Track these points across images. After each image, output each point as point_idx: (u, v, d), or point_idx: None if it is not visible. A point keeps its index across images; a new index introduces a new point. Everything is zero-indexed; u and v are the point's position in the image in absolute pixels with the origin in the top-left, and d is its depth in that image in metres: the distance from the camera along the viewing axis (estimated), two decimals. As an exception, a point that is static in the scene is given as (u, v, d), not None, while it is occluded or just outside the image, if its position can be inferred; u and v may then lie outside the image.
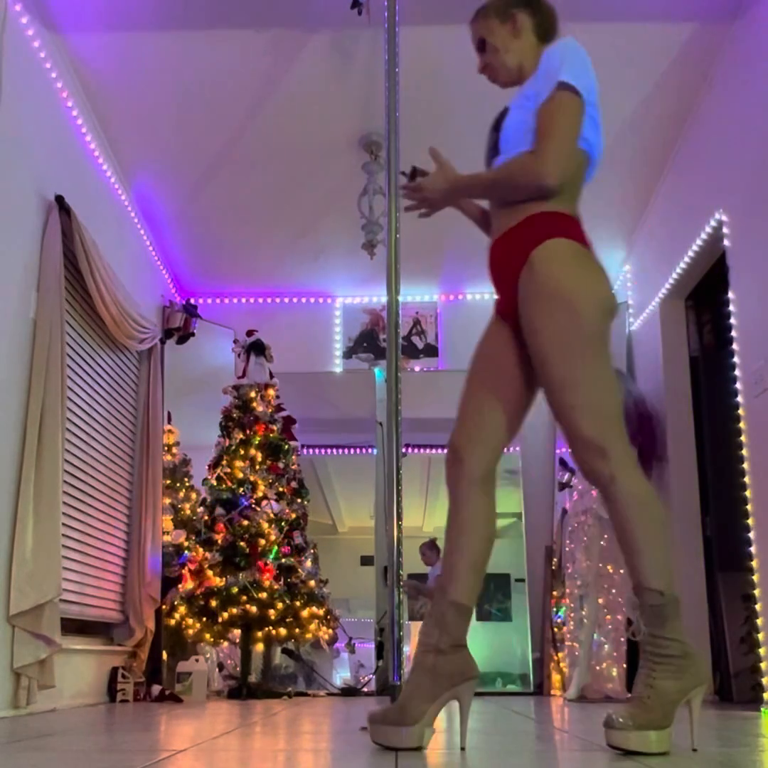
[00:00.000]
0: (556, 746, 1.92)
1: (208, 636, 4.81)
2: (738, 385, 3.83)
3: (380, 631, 5.50)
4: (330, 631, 5.08)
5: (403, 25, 3.40)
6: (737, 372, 3.83)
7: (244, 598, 4.65)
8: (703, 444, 4.68)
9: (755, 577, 3.63)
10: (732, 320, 3.88)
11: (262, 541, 4.82)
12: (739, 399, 3.82)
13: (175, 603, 4.84)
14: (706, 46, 3.89)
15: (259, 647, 5.17)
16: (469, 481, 1.95)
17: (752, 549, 3.67)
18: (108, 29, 3.77)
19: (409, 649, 4.66)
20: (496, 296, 2.06)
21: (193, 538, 5.00)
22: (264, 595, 4.67)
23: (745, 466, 3.76)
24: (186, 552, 4.98)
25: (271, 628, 4.79)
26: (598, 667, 4.64)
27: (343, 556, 5.87)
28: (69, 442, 3.90)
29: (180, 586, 4.88)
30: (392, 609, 3.06)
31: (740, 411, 3.81)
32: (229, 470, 5.05)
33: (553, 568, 5.62)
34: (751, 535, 3.69)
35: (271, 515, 4.93)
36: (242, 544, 4.78)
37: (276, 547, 4.84)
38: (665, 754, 1.64)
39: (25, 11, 3.50)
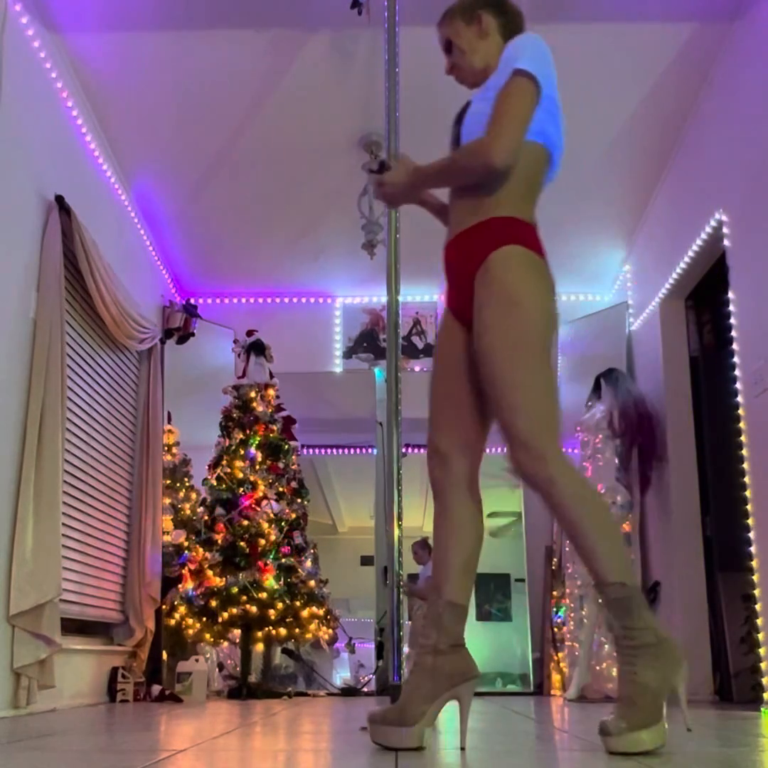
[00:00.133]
0: (556, 746, 1.92)
1: (208, 636, 4.81)
2: (738, 385, 3.83)
3: (380, 631, 5.51)
4: (330, 631, 5.08)
5: (403, 25, 3.40)
6: (737, 372, 3.83)
7: (244, 598, 4.65)
8: (703, 444, 4.68)
9: (755, 577, 3.63)
10: (732, 320, 3.88)
11: (262, 541, 4.82)
12: (739, 399, 3.82)
13: (175, 603, 4.84)
14: (706, 46, 3.89)
15: (259, 647, 5.18)
16: (457, 483, 1.97)
17: (752, 549, 3.67)
18: (108, 29, 3.77)
19: (407, 648, 4.66)
20: (446, 293, 2.07)
21: (193, 538, 5.00)
22: (264, 595, 4.67)
23: (745, 466, 3.76)
24: (186, 552, 4.98)
25: (271, 628, 4.79)
26: (598, 667, 4.64)
27: (343, 556, 5.87)
28: (69, 442, 3.90)
29: (180, 586, 4.88)
30: (392, 609, 3.06)
31: (740, 411, 3.81)
32: (229, 470, 5.05)
33: (553, 568, 5.62)
34: (751, 535, 3.69)
35: (271, 515, 4.93)
36: (242, 544, 4.78)
37: (275, 547, 4.85)
38: (662, 747, 1.64)
39: (25, 11, 3.50)
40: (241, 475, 5.02)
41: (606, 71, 4.07)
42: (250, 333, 5.47)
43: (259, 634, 4.87)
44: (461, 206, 2.00)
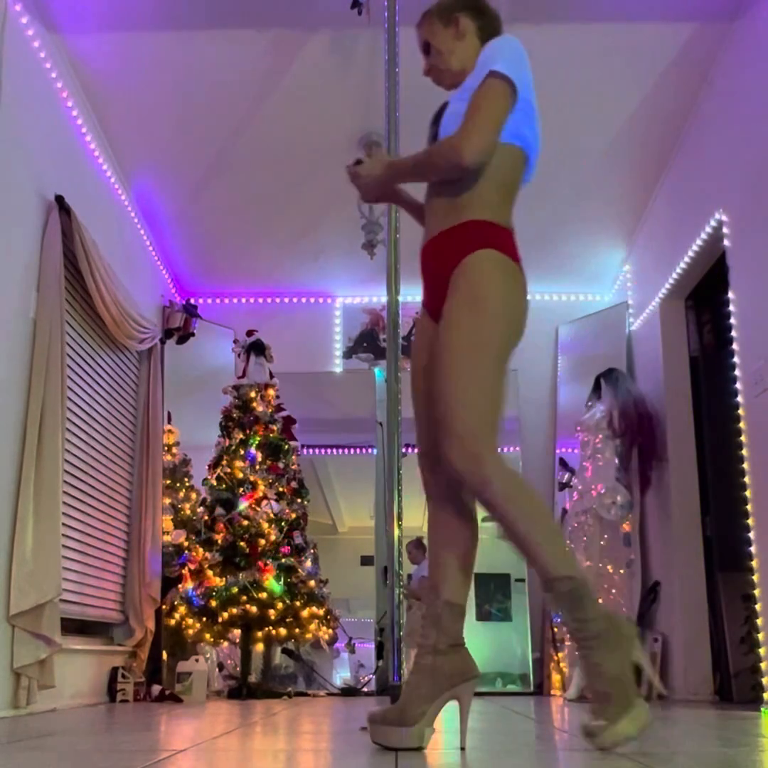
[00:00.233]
0: (556, 746, 1.92)
1: (208, 636, 4.81)
2: (738, 385, 3.83)
3: (380, 631, 5.50)
4: (330, 631, 5.08)
5: (403, 25, 3.40)
6: (737, 372, 3.83)
7: (244, 598, 4.65)
8: (703, 444, 4.68)
9: (755, 577, 3.63)
10: (732, 320, 3.88)
11: (262, 541, 4.82)
12: (739, 399, 3.82)
13: (175, 603, 4.84)
14: (706, 46, 3.89)
15: (259, 647, 5.18)
16: (448, 484, 1.96)
17: (752, 549, 3.67)
18: (108, 29, 3.77)
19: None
20: (422, 294, 2.08)
21: (193, 538, 5.00)
22: (264, 595, 4.67)
23: (745, 466, 3.76)
24: (186, 552, 4.98)
25: (271, 628, 4.79)
26: (598, 667, 4.63)
27: (343, 556, 5.87)
28: (69, 442, 3.90)
29: (180, 586, 4.88)
30: (392, 609, 3.06)
31: (740, 411, 3.81)
32: (229, 470, 5.05)
33: (553, 568, 5.61)
34: (751, 535, 3.69)
35: (271, 515, 4.93)
36: (242, 544, 4.78)
37: (275, 547, 4.85)
38: (647, 726, 1.63)
39: (25, 11, 3.50)
40: (241, 475, 5.02)
41: (606, 71, 4.07)
42: (250, 333, 5.47)
43: (259, 634, 4.87)
44: (438, 207, 2.01)
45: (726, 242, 3.94)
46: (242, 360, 5.39)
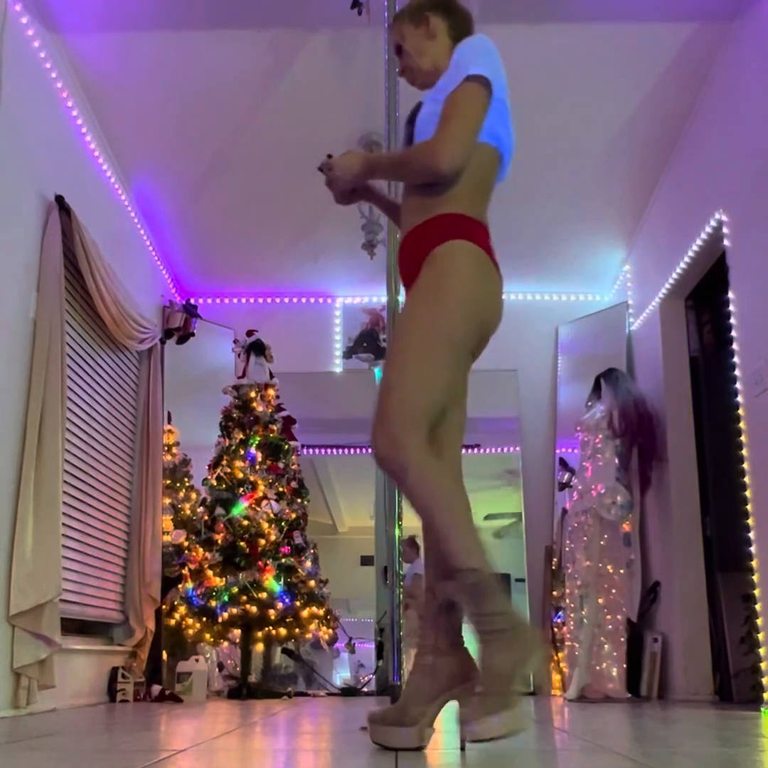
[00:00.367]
0: (556, 746, 1.92)
1: (208, 636, 4.81)
2: (738, 385, 3.83)
3: (380, 631, 5.50)
4: (330, 631, 5.08)
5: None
6: (737, 372, 3.83)
7: (244, 598, 4.65)
8: (703, 444, 4.68)
9: (755, 577, 3.63)
10: (732, 320, 3.88)
11: (262, 541, 4.82)
12: (739, 399, 3.82)
13: (175, 603, 4.84)
14: (706, 46, 3.89)
15: (259, 647, 5.17)
16: None
17: (752, 549, 3.67)
18: (108, 29, 3.77)
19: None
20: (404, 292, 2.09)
21: (193, 538, 5.00)
22: (264, 595, 4.67)
23: (745, 466, 3.76)
24: (185, 552, 4.98)
25: (271, 628, 4.79)
26: (598, 667, 4.63)
27: (343, 556, 5.87)
28: (69, 442, 3.90)
29: (180, 586, 4.88)
30: (392, 609, 3.06)
31: (740, 411, 3.81)
32: (229, 470, 5.05)
33: (553, 568, 5.62)
34: (751, 535, 3.69)
35: (271, 515, 4.93)
36: (242, 544, 4.78)
37: (275, 547, 4.84)
38: (518, 732, 1.61)
39: (25, 11, 3.50)
40: (241, 475, 5.02)
41: (606, 71, 4.07)
42: (250, 333, 5.47)
43: (259, 634, 4.87)
44: (412, 205, 2.02)
45: (726, 242, 3.94)
46: (242, 360, 5.39)
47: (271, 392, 5.36)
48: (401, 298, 3.21)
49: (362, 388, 6.12)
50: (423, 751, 1.76)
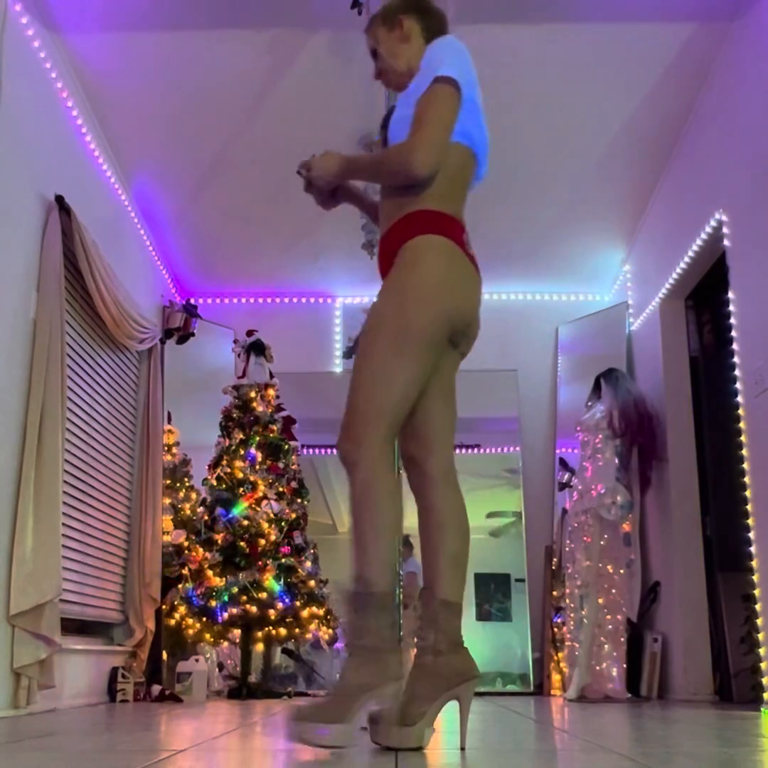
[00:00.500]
0: (556, 746, 1.92)
1: (208, 636, 4.81)
2: (738, 385, 3.83)
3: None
4: (330, 631, 5.08)
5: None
6: (737, 372, 3.83)
7: (244, 598, 4.65)
8: (703, 444, 4.68)
9: (755, 577, 3.63)
10: (732, 320, 3.88)
11: (262, 541, 4.82)
12: (739, 399, 3.82)
13: (175, 603, 4.84)
14: (706, 46, 3.89)
15: (259, 647, 5.17)
16: (432, 482, 1.97)
17: (752, 549, 3.67)
18: (108, 29, 3.77)
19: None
20: None
21: (193, 538, 5.00)
22: (264, 595, 4.67)
23: (745, 466, 3.76)
24: (186, 552, 4.98)
25: (271, 628, 4.79)
26: (598, 667, 4.64)
27: (343, 556, 5.87)
28: (69, 442, 3.90)
29: (180, 585, 4.88)
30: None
31: (740, 411, 3.81)
32: (229, 470, 5.05)
33: (553, 568, 5.62)
34: (751, 535, 3.69)
35: (271, 515, 4.93)
36: (242, 544, 4.78)
37: (275, 547, 4.84)
38: (342, 747, 1.62)
39: (25, 11, 3.50)
40: (241, 475, 5.02)
41: (606, 71, 4.07)
42: (250, 333, 5.47)
43: (259, 634, 4.87)
44: (389, 205, 2.03)
45: (726, 242, 3.94)
46: (242, 360, 5.39)
47: (271, 392, 5.36)
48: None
49: (362, 388, 6.11)
50: (423, 751, 1.76)
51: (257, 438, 5.15)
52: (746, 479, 3.75)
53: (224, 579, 4.72)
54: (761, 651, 3.55)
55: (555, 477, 5.95)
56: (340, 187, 2.19)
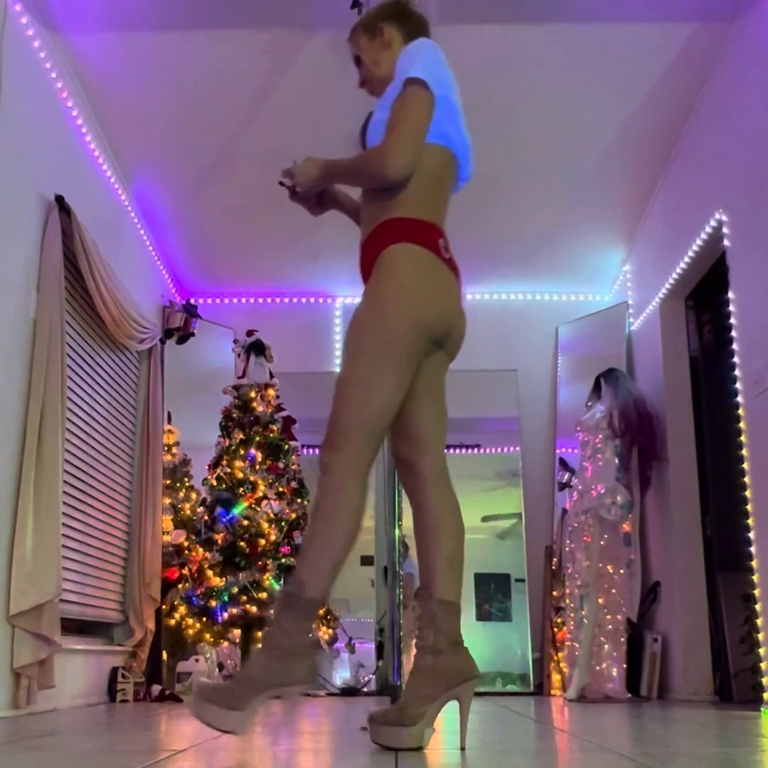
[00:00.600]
0: (556, 746, 1.92)
1: (208, 636, 4.81)
2: (738, 385, 3.83)
3: (380, 631, 5.50)
4: (330, 631, 5.08)
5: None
6: (737, 372, 3.83)
7: (244, 598, 4.65)
8: (703, 444, 4.68)
9: (755, 577, 3.63)
10: (732, 320, 3.88)
11: (262, 541, 4.82)
12: (739, 399, 3.82)
13: (175, 603, 4.84)
14: (706, 46, 3.89)
15: (259, 647, 5.17)
16: (425, 483, 1.97)
17: (752, 549, 3.67)
18: (108, 29, 3.77)
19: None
20: None
21: (193, 538, 5.00)
22: (264, 595, 4.67)
23: (745, 466, 3.76)
24: (186, 552, 4.98)
25: (271, 628, 4.79)
26: (598, 667, 4.64)
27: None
28: (69, 442, 3.90)
29: (180, 586, 4.88)
30: (392, 609, 3.06)
31: (740, 411, 3.81)
32: (229, 470, 5.05)
33: (553, 568, 5.62)
34: (751, 535, 3.69)
35: (271, 515, 4.93)
36: (242, 544, 4.78)
37: (275, 547, 4.84)
38: (233, 733, 1.66)
39: (25, 11, 3.50)
40: (241, 475, 5.02)
41: (606, 71, 4.07)
42: (250, 333, 5.47)
43: (259, 634, 4.86)
44: (367, 211, 2.05)
45: (726, 242, 3.94)
46: (242, 360, 5.39)
47: (271, 392, 5.36)
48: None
49: (362, 388, 6.11)
50: (423, 751, 1.76)
51: (257, 438, 5.16)
52: (746, 479, 3.75)
53: (224, 579, 4.72)
54: (761, 651, 3.55)
55: (555, 477, 5.95)
56: (324, 192, 2.21)
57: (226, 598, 4.66)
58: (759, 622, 3.56)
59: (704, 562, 4.61)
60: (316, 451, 6.45)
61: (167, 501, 5.19)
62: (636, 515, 5.04)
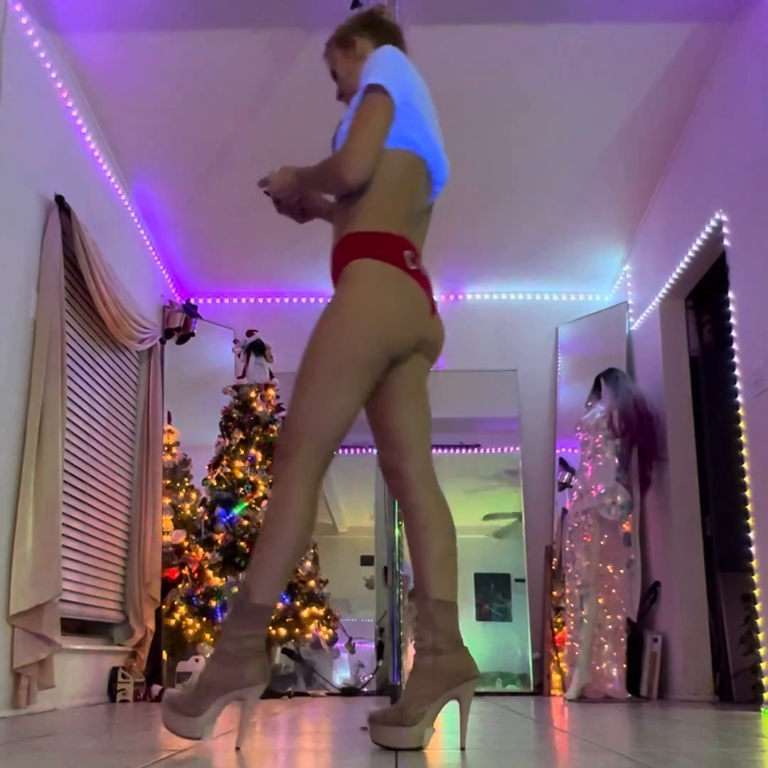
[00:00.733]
0: (556, 746, 1.92)
1: (208, 636, 4.81)
2: (738, 385, 3.83)
3: (380, 631, 5.50)
4: (330, 631, 5.09)
5: (403, 25, 3.40)
6: (737, 372, 3.83)
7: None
8: (703, 444, 4.68)
9: (755, 577, 3.63)
10: (732, 320, 3.88)
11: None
12: (739, 399, 3.82)
13: (175, 603, 4.84)
14: (706, 46, 3.89)
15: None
16: (411, 486, 1.98)
17: (752, 549, 3.67)
18: (108, 29, 3.77)
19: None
20: None
21: (193, 538, 5.00)
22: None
23: (745, 466, 3.76)
24: (186, 552, 4.98)
25: (270, 628, 4.79)
26: (598, 667, 4.64)
27: (343, 556, 5.87)
28: (69, 442, 3.90)
29: (180, 585, 4.88)
30: (392, 609, 3.06)
31: (740, 411, 3.81)
32: (229, 470, 5.05)
33: (553, 568, 5.62)
34: (751, 535, 3.69)
35: (271, 515, 4.92)
36: (242, 544, 4.78)
37: None
38: (191, 739, 1.73)
39: (25, 11, 3.50)
40: (241, 475, 5.02)
41: (606, 71, 4.07)
42: (250, 333, 5.47)
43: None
44: (337, 218, 2.07)
45: (726, 242, 3.94)
46: (242, 360, 5.40)
47: (271, 392, 5.36)
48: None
49: (362, 388, 6.11)
50: (423, 751, 1.76)
51: (257, 438, 5.16)
52: (746, 479, 3.75)
53: (224, 579, 4.72)
54: (761, 651, 3.56)
55: (555, 477, 5.95)
56: (306, 200, 2.24)
57: (226, 598, 4.66)
58: (759, 622, 3.56)
59: (704, 562, 4.61)
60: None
61: (167, 501, 5.19)
62: (636, 515, 5.04)
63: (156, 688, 4.49)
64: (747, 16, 3.65)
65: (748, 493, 3.73)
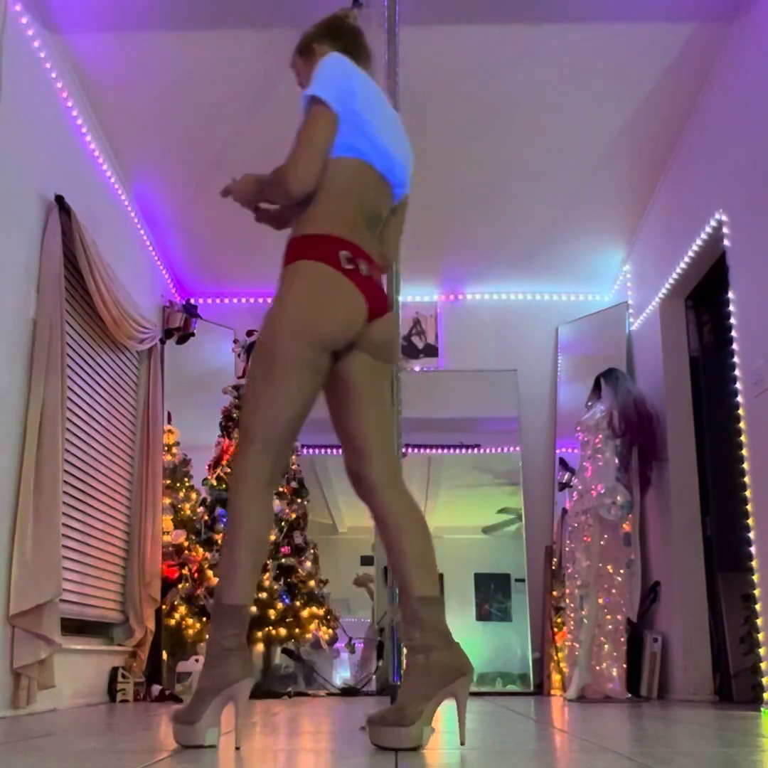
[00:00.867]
0: (556, 746, 1.92)
1: (208, 636, 4.80)
2: (738, 385, 3.83)
3: (380, 631, 5.50)
4: (330, 631, 5.08)
5: (403, 25, 3.40)
6: (737, 372, 3.83)
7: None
8: (703, 444, 4.68)
9: (755, 577, 3.63)
10: (732, 320, 3.88)
11: (262, 541, 4.82)
12: (739, 399, 3.82)
13: (175, 603, 4.84)
14: (706, 46, 3.89)
15: (259, 647, 5.18)
16: (379, 489, 2.01)
17: (752, 549, 3.67)
18: (108, 29, 3.77)
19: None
20: None
21: (193, 538, 5.00)
22: (264, 595, 4.67)
23: (745, 466, 3.76)
24: (186, 552, 4.98)
25: (271, 628, 4.79)
26: (598, 667, 4.64)
27: (343, 556, 5.87)
28: (69, 442, 3.90)
29: (180, 585, 4.88)
30: (392, 609, 3.05)
31: (740, 411, 3.81)
32: (229, 470, 5.05)
33: (553, 568, 5.62)
34: (751, 535, 3.69)
35: (271, 515, 4.93)
36: (242, 544, 4.78)
37: (274, 547, 4.84)
38: (193, 746, 1.78)
39: (25, 11, 3.50)
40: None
41: (606, 71, 4.07)
42: (250, 333, 5.47)
43: (259, 634, 4.87)
44: (292, 226, 2.14)
45: (726, 242, 3.94)
46: (242, 360, 5.40)
47: (271, 392, 5.35)
48: (400, 297, 3.22)
49: (362, 388, 6.10)
50: (422, 751, 1.76)
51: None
52: (746, 479, 3.75)
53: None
54: (761, 651, 3.56)
55: (555, 477, 5.95)
56: (280, 209, 2.28)
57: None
58: (759, 622, 3.56)
59: (704, 562, 4.61)
60: (317, 451, 6.48)
61: (167, 501, 5.19)
62: (636, 515, 5.04)
63: (156, 688, 4.49)
64: (747, 16, 3.65)
65: (748, 493, 3.73)
